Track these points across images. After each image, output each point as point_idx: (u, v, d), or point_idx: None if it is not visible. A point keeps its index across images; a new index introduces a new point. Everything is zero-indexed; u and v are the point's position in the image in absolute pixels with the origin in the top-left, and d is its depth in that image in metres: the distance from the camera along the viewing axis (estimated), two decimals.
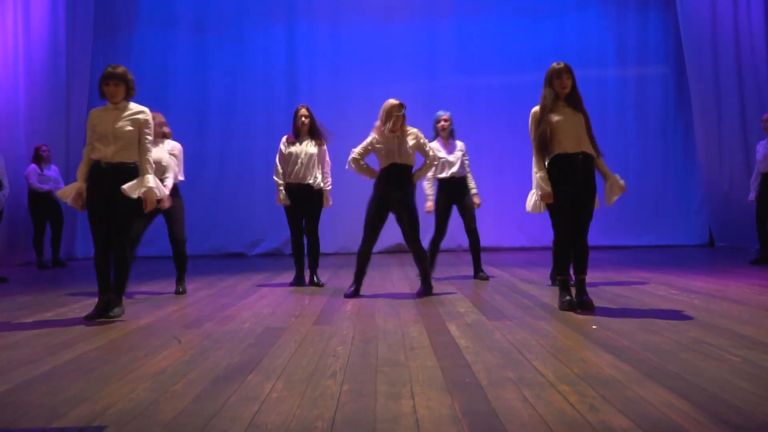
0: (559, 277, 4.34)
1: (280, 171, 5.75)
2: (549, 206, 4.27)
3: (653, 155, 10.41)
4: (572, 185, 4.20)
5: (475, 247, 6.08)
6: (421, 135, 5.09)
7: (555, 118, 4.19)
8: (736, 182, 9.25)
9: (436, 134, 6.11)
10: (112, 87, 4.18)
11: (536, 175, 4.27)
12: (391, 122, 4.92)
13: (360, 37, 10.30)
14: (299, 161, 5.67)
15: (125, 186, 4.10)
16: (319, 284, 5.77)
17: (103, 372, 2.83)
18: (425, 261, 5.10)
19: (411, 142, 5.00)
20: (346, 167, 5.19)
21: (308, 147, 5.71)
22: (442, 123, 6.07)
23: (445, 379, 2.58)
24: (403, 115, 5.00)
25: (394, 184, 4.99)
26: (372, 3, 10.38)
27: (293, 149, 5.72)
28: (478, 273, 6.09)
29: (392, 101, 5.01)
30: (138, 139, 4.21)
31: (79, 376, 2.76)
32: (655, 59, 10.46)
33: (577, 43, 10.26)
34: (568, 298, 4.25)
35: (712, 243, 10.03)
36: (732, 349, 3.00)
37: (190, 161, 10.17)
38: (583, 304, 4.17)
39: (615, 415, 2.10)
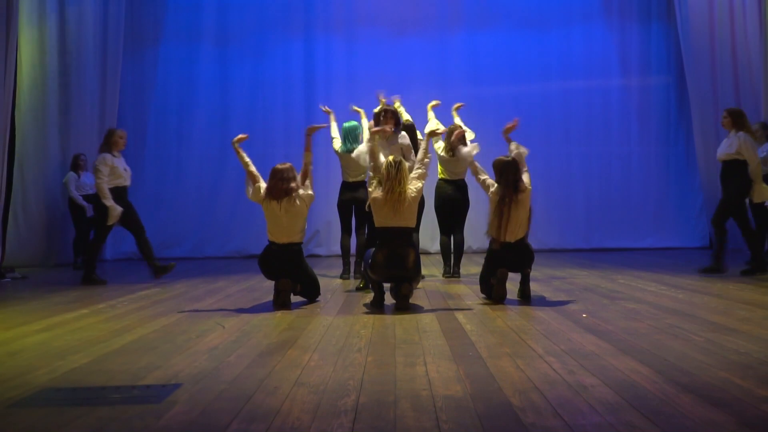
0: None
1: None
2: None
3: (655, 161, 10.86)
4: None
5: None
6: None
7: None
8: None
9: None
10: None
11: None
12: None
13: (374, 49, 10.85)
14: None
15: None
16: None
17: (164, 349, 3.38)
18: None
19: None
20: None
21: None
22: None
23: (452, 353, 3.11)
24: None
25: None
26: (385, 17, 10.93)
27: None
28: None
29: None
30: None
31: (146, 352, 3.31)
32: (657, 69, 10.92)
33: (582, 54, 10.76)
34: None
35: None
36: (699, 332, 3.49)
37: (213, 167, 10.98)
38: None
39: (588, 377, 2.62)
